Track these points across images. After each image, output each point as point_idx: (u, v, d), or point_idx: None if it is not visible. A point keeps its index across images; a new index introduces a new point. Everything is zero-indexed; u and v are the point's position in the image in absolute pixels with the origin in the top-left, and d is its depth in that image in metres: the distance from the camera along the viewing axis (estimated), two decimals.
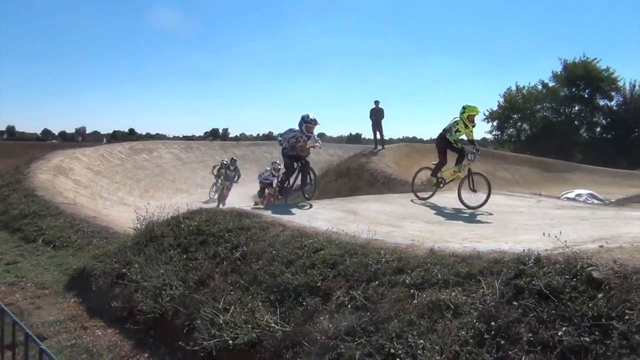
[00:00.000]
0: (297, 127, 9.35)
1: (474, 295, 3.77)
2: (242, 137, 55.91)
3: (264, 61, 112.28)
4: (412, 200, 10.26)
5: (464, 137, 9.84)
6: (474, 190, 9.14)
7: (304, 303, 4.54)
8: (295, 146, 9.29)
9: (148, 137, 53.19)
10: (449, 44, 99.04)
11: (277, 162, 14.21)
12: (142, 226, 7.95)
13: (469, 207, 8.93)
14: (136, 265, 6.55)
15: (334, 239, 5.63)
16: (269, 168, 15.04)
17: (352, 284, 4.53)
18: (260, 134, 63.35)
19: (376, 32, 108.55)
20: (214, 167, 22.86)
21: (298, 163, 9.51)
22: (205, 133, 63.36)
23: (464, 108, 9.61)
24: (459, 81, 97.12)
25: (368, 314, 4.03)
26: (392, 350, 3.50)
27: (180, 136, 54.38)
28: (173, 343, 5.10)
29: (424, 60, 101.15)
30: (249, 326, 4.53)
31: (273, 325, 4.43)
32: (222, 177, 20.45)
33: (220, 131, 65.17)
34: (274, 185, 13.41)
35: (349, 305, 4.24)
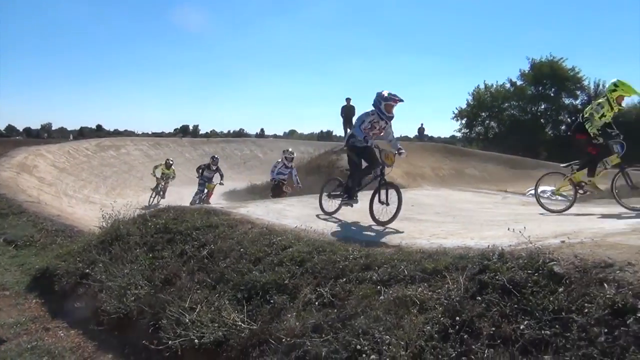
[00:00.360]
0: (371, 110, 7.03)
1: (440, 290, 3.81)
2: (212, 134, 55.27)
3: (236, 56, 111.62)
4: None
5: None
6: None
7: (272, 301, 4.52)
8: (369, 134, 6.97)
9: (116, 133, 52.20)
10: (420, 42, 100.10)
11: (289, 149, 13.39)
12: (108, 224, 7.81)
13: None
14: (101, 265, 6.43)
15: (302, 236, 5.63)
16: (280, 159, 13.24)
17: (320, 281, 4.53)
18: (232, 131, 62.86)
19: (349, 28, 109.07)
20: (156, 167, 19.15)
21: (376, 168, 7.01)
22: (175, 130, 62.49)
23: (615, 85, 7.21)
24: (430, 79, 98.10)
25: (335, 310, 4.04)
26: (359, 347, 3.51)
27: (149, 133, 53.50)
28: (138, 343, 5.02)
29: (396, 58, 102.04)
30: (216, 325, 4.49)
31: (240, 323, 4.40)
32: (200, 176, 17.17)
33: (191, 128, 64.33)
34: (293, 180, 12.79)
35: (317, 303, 4.25)
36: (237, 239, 5.96)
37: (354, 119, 8.78)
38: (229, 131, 62.98)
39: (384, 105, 6.87)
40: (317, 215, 7.43)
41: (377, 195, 6.80)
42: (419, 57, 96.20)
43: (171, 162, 19.42)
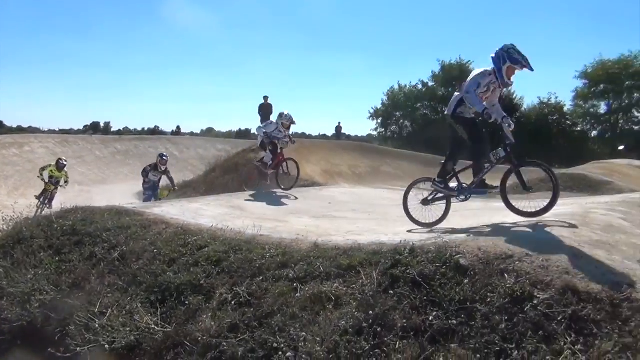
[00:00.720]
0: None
1: (354, 286, 3.90)
2: (125, 132, 53.13)
3: (150, 51, 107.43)
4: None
5: None
6: None
7: (187, 302, 4.43)
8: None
9: (19, 130, 48.73)
10: (338, 41, 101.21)
11: (285, 113, 11.43)
12: (9, 227, 7.28)
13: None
14: (1, 270, 5.99)
15: (219, 236, 5.56)
16: (272, 121, 11.80)
17: (237, 280, 4.50)
18: (146, 128, 60.68)
19: (265, 26, 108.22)
20: (43, 169, 15.21)
21: None
22: (85, 126, 59.25)
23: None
24: (348, 79, 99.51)
25: (252, 309, 4.03)
26: (275, 345, 3.53)
27: (57, 129, 50.47)
28: (43, 351, 4.74)
29: (313, 57, 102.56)
30: (128, 329, 4.33)
31: (153, 326, 4.27)
32: (145, 180, 13.88)
33: (102, 124, 61.31)
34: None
35: (233, 302, 4.21)
36: (151, 239, 5.78)
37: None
38: (143, 128, 60.84)
39: (507, 67, 5.52)
40: (234, 214, 7.36)
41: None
42: (336, 56, 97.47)
43: (64, 163, 15.71)
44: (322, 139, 47.24)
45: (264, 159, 11.31)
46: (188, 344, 3.92)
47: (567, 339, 2.95)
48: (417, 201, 6.05)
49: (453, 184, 5.96)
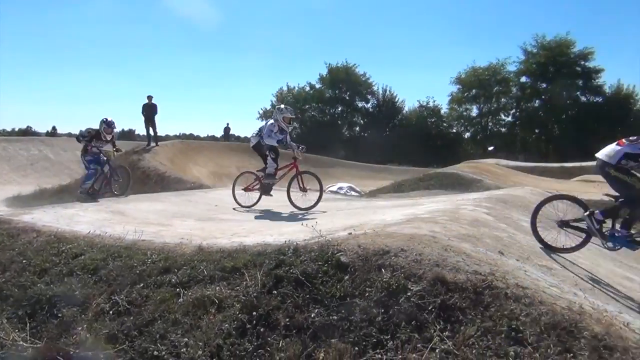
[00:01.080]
0: None
1: (238, 288, 3.89)
2: None
3: (21, 48, 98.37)
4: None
5: None
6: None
7: (59, 314, 4.15)
8: None
9: None
10: (224, 41, 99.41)
11: (282, 106, 9.41)
12: None
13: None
14: None
15: (96, 243, 5.29)
16: (272, 121, 9.21)
17: (115, 288, 4.30)
18: (17, 129, 55.86)
19: (146, 23, 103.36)
20: None
21: None
22: None
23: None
24: (236, 79, 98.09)
25: (131, 318, 3.87)
26: (156, 353, 3.42)
27: None
28: None
29: (201, 56, 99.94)
30: None
31: (21, 343, 3.95)
32: (85, 152, 10.90)
33: None
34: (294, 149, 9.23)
35: (111, 312, 4.01)
36: (19, 249, 5.35)
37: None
38: (13, 129, 55.97)
39: None
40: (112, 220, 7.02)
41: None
42: (224, 57, 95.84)
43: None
44: (210, 140, 46.46)
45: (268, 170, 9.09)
46: (61, 358, 3.68)
47: (436, 326, 3.16)
48: (551, 219, 5.57)
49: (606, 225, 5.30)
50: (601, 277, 5.06)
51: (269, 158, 9.00)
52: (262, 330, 3.39)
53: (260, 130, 9.16)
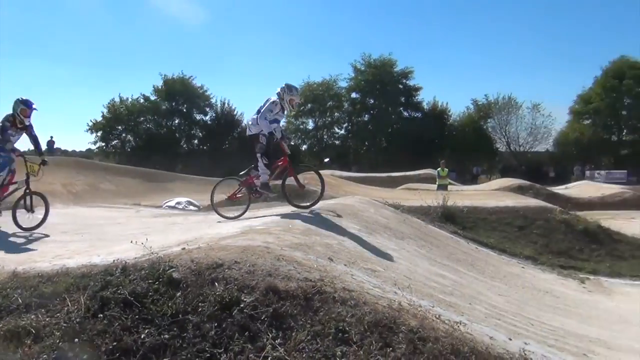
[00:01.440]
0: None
1: (59, 314, 3.59)
2: None
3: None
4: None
5: None
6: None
7: None
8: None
9: None
10: (50, 48, 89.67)
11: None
12: None
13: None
14: None
15: None
16: (273, 99, 7.65)
17: None
18: None
19: None
20: None
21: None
22: None
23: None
24: (61, 89, 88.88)
25: None
26: None
27: None
28: None
29: (22, 62, 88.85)
30: None
31: None
32: None
33: None
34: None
35: None
36: None
37: None
38: None
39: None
40: None
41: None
42: (48, 64, 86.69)
43: None
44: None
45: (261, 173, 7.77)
46: None
47: (269, 335, 3.24)
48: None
49: None
50: (418, 276, 5.60)
51: (260, 163, 7.56)
52: (85, 357, 3.17)
53: (258, 111, 7.61)
